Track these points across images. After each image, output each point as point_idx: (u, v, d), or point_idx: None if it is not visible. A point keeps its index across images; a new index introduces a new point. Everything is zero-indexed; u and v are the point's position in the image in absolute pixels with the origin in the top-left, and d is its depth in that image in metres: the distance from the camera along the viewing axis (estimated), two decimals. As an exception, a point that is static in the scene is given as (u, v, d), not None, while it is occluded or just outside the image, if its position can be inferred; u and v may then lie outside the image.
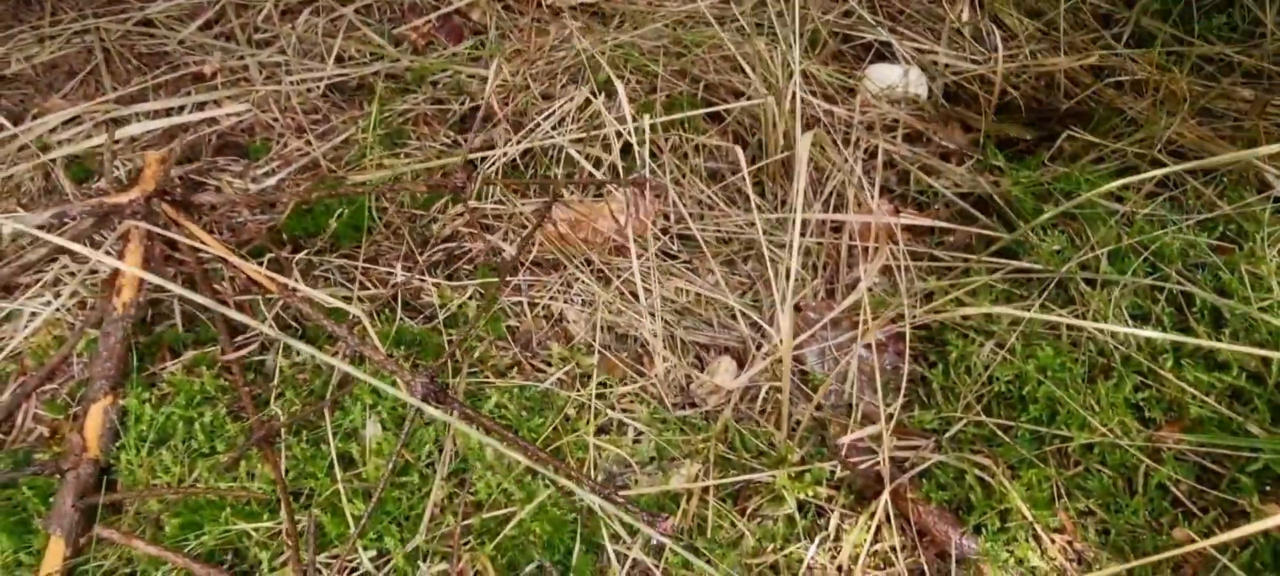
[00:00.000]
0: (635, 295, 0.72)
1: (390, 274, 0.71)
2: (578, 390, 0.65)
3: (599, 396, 0.66)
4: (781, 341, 0.57)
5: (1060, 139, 0.79)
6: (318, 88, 0.93)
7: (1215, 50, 0.87)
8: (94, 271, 0.72)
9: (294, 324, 0.68)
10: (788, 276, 0.64)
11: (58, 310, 0.70)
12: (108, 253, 0.72)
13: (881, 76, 0.88)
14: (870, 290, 0.72)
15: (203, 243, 0.64)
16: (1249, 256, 0.68)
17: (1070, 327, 0.67)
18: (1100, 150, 0.78)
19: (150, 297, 0.70)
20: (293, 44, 0.97)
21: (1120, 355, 0.65)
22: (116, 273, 0.66)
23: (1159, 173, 0.66)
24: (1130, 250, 0.70)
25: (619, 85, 0.77)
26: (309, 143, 0.86)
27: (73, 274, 0.72)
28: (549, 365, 0.67)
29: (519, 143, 0.80)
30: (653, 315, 0.69)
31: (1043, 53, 0.89)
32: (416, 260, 0.72)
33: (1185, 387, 0.62)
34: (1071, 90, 0.86)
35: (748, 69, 0.81)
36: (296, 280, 0.67)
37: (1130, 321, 0.68)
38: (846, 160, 0.79)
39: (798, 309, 0.74)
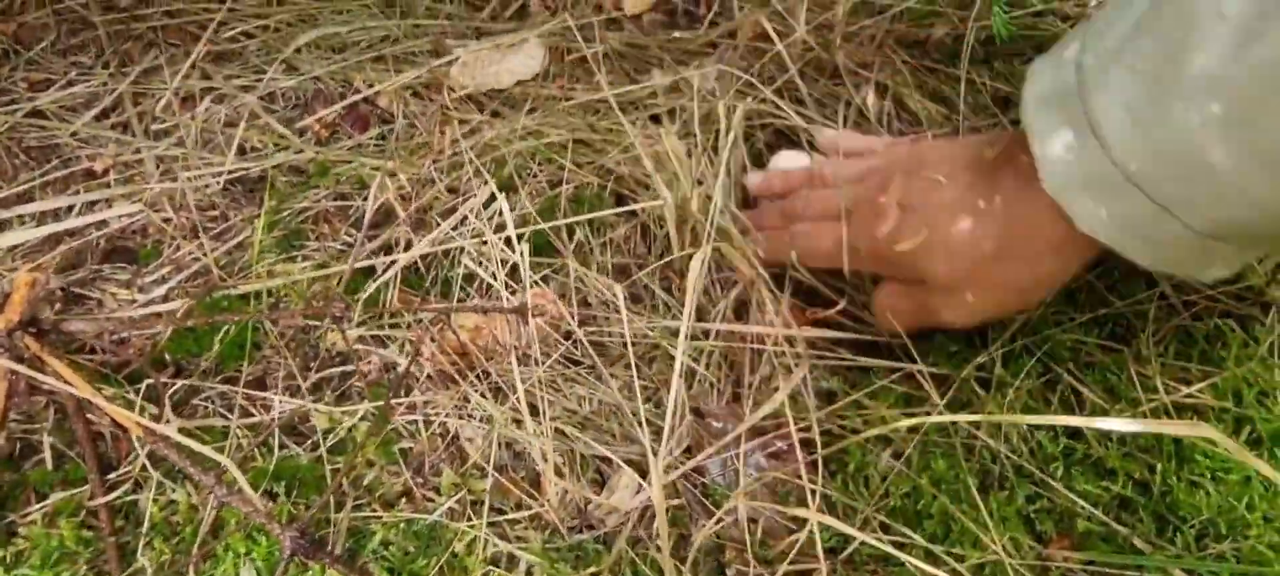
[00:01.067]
0: (534, 408, 0.71)
1: (275, 399, 0.69)
2: (469, 520, 0.63)
3: (492, 523, 0.64)
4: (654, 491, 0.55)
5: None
6: (216, 182, 0.90)
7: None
8: (-43, 405, 0.68)
9: (169, 458, 0.65)
10: (689, 385, 0.63)
11: (-86, 450, 0.66)
12: (-31, 387, 0.68)
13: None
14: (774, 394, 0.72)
15: (67, 381, 0.61)
16: (1136, 356, 0.69)
17: (966, 436, 0.67)
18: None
19: (19, 433, 0.67)
20: (192, 135, 0.94)
21: (1012, 464, 0.65)
22: (-24, 412, 0.62)
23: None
24: (1023, 350, 0.71)
25: (502, 200, 0.76)
26: (202, 246, 0.83)
27: (-67, 408, 0.68)
28: (439, 492, 0.65)
29: (416, 249, 0.78)
30: (546, 434, 0.67)
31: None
32: (302, 383, 0.70)
33: (1074, 498, 0.62)
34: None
35: (650, 169, 0.80)
36: (168, 416, 0.64)
37: (1024, 423, 0.68)
38: (750, 259, 0.78)
39: (700, 414, 0.73)
